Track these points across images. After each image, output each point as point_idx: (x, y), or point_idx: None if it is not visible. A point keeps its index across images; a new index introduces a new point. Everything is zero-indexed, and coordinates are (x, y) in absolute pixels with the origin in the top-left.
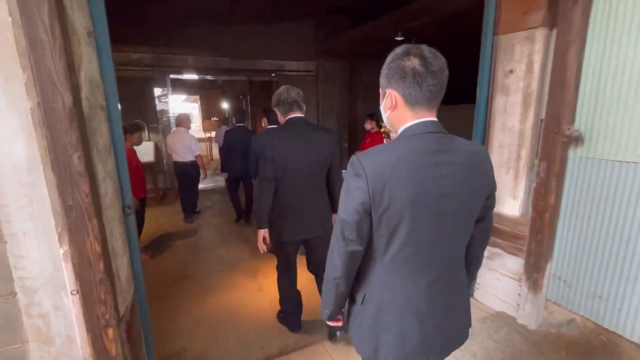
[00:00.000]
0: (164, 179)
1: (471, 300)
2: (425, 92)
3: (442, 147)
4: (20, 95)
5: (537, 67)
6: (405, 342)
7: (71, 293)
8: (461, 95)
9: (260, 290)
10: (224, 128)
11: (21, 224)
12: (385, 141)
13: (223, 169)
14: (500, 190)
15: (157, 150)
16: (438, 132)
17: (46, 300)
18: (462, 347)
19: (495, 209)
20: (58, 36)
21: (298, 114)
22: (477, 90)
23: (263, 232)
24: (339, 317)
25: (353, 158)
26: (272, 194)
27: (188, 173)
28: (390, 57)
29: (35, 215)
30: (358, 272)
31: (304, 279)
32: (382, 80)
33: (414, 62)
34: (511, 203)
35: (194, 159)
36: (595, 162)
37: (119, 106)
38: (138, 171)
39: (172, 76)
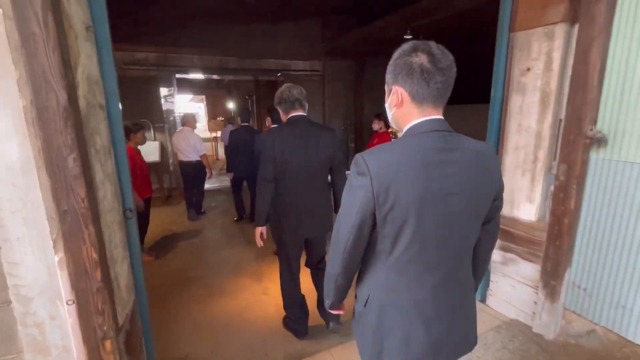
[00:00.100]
0: (170, 178)
1: (483, 307)
2: (433, 90)
3: (449, 145)
4: (12, 92)
5: (556, 65)
6: (410, 346)
7: (67, 303)
8: (469, 95)
9: (265, 294)
10: (230, 127)
11: (15, 229)
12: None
13: (228, 169)
14: (516, 194)
15: (163, 150)
16: (444, 131)
17: (41, 309)
18: (475, 357)
19: (510, 213)
20: (52, 29)
21: (300, 113)
22: (492, 89)
23: (260, 229)
24: (342, 305)
25: (357, 156)
26: (272, 193)
27: (193, 172)
28: (397, 53)
29: (29, 220)
30: (362, 273)
31: (310, 283)
32: (388, 77)
33: (421, 59)
34: (527, 207)
35: (199, 158)
36: (620, 165)
37: (120, 105)
38: (143, 171)
39: (178, 76)
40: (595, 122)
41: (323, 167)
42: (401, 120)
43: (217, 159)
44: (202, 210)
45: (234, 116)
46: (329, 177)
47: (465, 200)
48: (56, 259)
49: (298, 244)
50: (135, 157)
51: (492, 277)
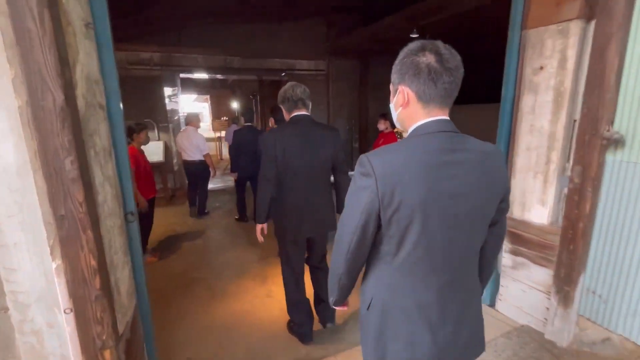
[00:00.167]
0: (174, 178)
1: (492, 311)
2: (440, 90)
3: (455, 146)
4: (7, 92)
5: (570, 64)
6: (415, 351)
7: (64, 312)
8: (477, 95)
9: (269, 297)
10: (234, 127)
11: (12, 234)
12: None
13: (232, 169)
14: (527, 196)
15: (167, 149)
16: (451, 131)
17: (39, 316)
18: None
19: (521, 216)
20: (48, 26)
21: (303, 112)
22: (502, 88)
23: (260, 226)
24: (346, 302)
25: (362, 157)
26: (272, 192)
27: (197, 172)
28: (403, 53)
29: (26, 224)
30: (366, 274)
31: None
32: (394, 77)
33: (429, 58)
34: (539, 210)
35: (202, 157)
36: (638, 167)
37: (121, 105)
38: (147, 172)
39: (182, 75)
40: (612, 122)
41: (325, 167)
42: (407, 121)
43: (221, 159)
44: (205, 211)
45: (238, 116)
46: (332, 177)
47: (472, 201)
48: (53, 265)
49: (300, 244)
50: (138, 157)
51: (501, 282)
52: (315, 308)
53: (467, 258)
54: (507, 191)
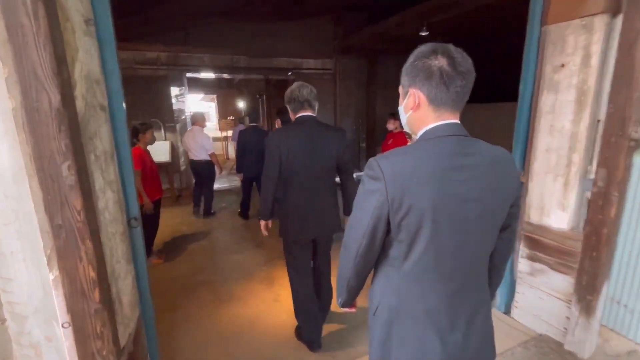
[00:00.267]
0: (180, 178)
1: (508, 319)
2: (452, 94)
3: (466, 150)
4: (1, 92)
5: (595, 61)
6: (424, 358)
7: (62, 326)
8: (488, 94)
9: (276, 301)
10: (241, 127)
11: (8, 242)
12: (408, 142)
13: (238, 170)
14: (546, 200)
15: (173, 149)
16: (461, 135)
17: (37, 329)
18: None
19: (539, 220)
20: (43, 21)
21: (308, 113)
22: (520, 86)
23: (264, 222)
24: (354, 303)
25: (371, 160)
26: (275, 191)
27: (203, 171)
28: (414, 55)
29: (23, 233)
30: (374, 278)
31: None
32: (405, 79)
33: (441, 62)
34: (559, 215)
35: (208, 157)
36: None
37: (124, 105)
38: (153, 172)
39: (188, 75)
40: None
41: (329, 168)
42: (417, 124)
43: (228, 158)
44: (212, 211)
45: (244, 116)
46: (338, 178)
47: (482, 206)
48: (51, 276)
49: (304, 245)
50: (145, 158)
51: (517, 288)
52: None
53: (477, 263)
54: (518, 195)
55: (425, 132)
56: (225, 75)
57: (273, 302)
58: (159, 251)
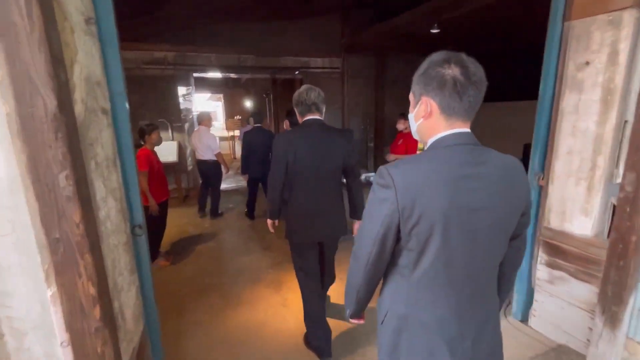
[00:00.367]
0: (187, 178)
1: (525, 327)
2: (465, 104)
3: (476, 159)
4: None
5: (622, 58)
6: None
7: (61, 345)
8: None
9: (284, 306)
10: (248, 127)
11: (5, 255)
12: (419, 143)
13: (242, 171)
14: (568, 205)
15: (180, 149)
16: (472, 144)
17: (36, 345)
18: None
19: (560, 226)
20: (37, 20)
21: (315, 116)
22: (541, 85)
23: (271, 221)
24: (362, 315)
25: (381, 168)
26: (282, 193)
27: (209, 171)
28: (426, 64)
29: (20, 245)
30: (383, 287)
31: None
32: (416, 88)
33: (454, 71)
34: (581, 220)
35: (214, 157)
36: None
37: (127, 107)
38: (160, 174)
39: (195, 75)
40: None
41: (336, 171)
42: (427, 132)
43: (235, 158)
44: (219, 212)
45: (249, 117)
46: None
47: (492, 215)
48: (49, 292)
49: (311, 248)
50: (152, 158)
51: (535, 296)
52: None
53: (486, 272)
54: (528, 204)
55: (436, 141)
56: (232, 75)
57: (281, 307)
58: (166, 252)
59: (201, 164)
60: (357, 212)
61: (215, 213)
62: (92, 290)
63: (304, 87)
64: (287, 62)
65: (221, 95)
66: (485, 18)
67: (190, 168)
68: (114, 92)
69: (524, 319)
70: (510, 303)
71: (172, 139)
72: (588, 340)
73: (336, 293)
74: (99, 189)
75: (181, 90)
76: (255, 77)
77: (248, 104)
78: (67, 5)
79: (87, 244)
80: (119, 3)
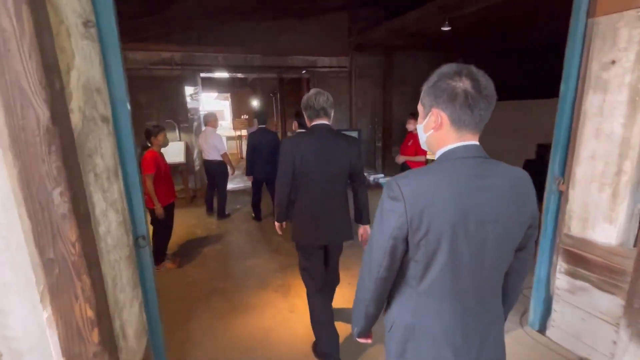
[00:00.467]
0: (195, 179)
1: (543, 338)
2: (476, 117)
3: (485, 172)
4: None
5: None
6: None
7: None
8: (511, 91)
9: (292, 312)
10: (253, 128)
11: (1, 273)
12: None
13: (247, 173)
14: (590, 212)
15: (188, 150)
16: (481, 157)
17: None
18: None
19: (582, 234)
20: (28, 24)
21: (324, 121)
22: (562, 85)
23: (279, 224)
24: (369, 334)
25: (390, 180)
26: (289, 195)
27: (215, 172)
28: (436, 76)
29: (16, 263)
30: (390, 298)
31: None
32: (426, 99)
33: (465, 84)
34: (605, 228)
35: (221, 158)
36: None
37: (129, 110)
38: (166, 176)
39: (202, 75)
40: None
41: (342, 176)
42: (437, 144)
43: (242, 158)
44: (226, 213)
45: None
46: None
47: (500, 228)
48: (45, 314)
49: (315, 249)
50: (158, 160)
51: (554, 306)
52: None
53: (492, 283)
54: (535, 217)
55: (445, 153)
56: (239, 74)
57: (289, 313)
58: (173, 254)
59: (207, 164)
60: (361, 216)
61: (222, 214)
62: (90, 313)
63: (312, 91)
64: (294, 61)
65: (228, 95)
66: (497, 15)
67: (197, 168)
68: (115, 98)
69: (542, 329)
70: (526, 312)
71: (180, 140)
72: (611, 353)
73: (344, 298)
74: (98, 202)
75: (188, 90)
76: (262, 76)
77: (255, 103)
78: (62, 7)
79: (84, 264)
80: (123, 4)
